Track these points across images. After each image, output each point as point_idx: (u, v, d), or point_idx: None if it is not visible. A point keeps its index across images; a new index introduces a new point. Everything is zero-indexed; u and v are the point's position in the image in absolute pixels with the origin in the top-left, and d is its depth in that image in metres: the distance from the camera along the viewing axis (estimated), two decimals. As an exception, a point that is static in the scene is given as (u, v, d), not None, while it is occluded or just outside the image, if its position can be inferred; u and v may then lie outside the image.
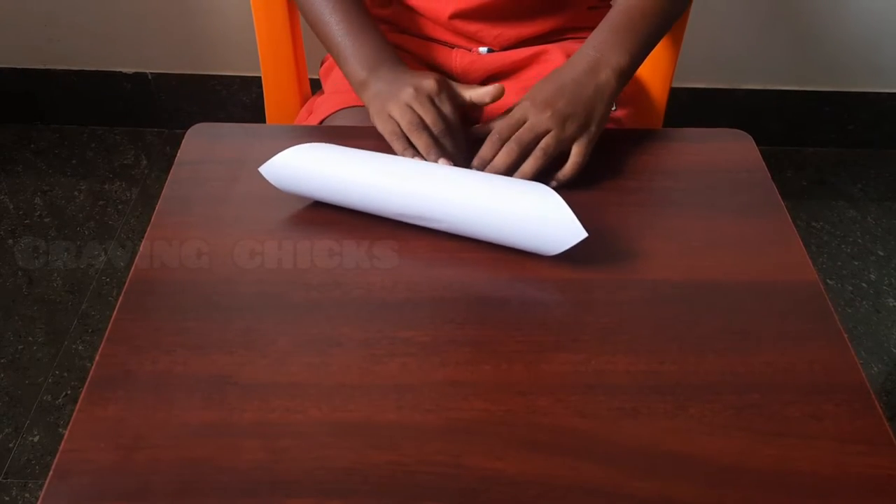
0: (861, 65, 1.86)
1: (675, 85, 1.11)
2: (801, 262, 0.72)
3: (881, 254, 1.72)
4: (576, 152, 0.79)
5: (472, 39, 1.01)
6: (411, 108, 0.79)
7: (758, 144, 0.84)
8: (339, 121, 0.95)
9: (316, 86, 1.11)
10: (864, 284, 1.65)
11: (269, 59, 1.10)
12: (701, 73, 1.85)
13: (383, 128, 0.80)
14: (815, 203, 1.84)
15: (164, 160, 1.87)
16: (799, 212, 1.81)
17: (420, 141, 0.78)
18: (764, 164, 0.82)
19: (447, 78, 0.84)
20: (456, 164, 0.77)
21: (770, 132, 1.93)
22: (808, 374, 0.63)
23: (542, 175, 0.77)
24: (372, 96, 0.84)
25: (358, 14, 0.90)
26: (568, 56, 0.97)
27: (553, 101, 0.79)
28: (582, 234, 0.68)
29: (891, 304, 1.61)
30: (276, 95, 1.12)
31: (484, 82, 1.03)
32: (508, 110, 0.81)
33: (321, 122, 0.97)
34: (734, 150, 0.85)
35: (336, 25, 0.89)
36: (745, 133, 0.86)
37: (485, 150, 0.78)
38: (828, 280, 1.64)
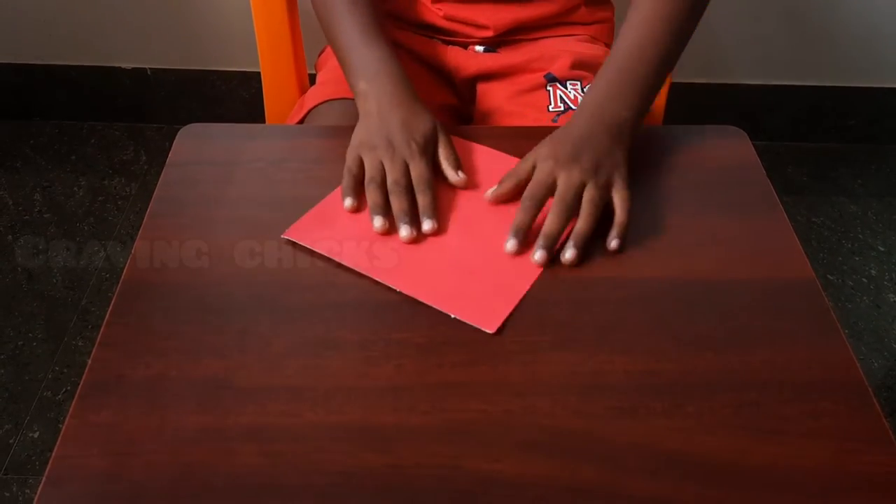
0: (862, 60, 1.86)
1: (675, 80, 1.11)
2: (798, 260, 0.72)
3: (881, 249, 1.72)
4: (619, 198, 0.75)
5: (466, 23, 1.01)
6: (381, 165, 0.77)
7: (758, 140, 0.84)
8: (326, 111, 0.95)
9: (315, 81, 1.11)
10: (864, 280, 1.64)
11: (267, 54, 1.10)
12: (701, 68, 1.84)
13: (347, 168, 0.78)
14: (815, 198, 1.84)
15: (164, 156, 1.84)
16: (799, 207, 1.81)
17: (371, 197, 0.75)
18: (759, 160, 0.82)
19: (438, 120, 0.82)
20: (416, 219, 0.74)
21: (770, 128, 1.93)
22: (806, 372, 0.62)
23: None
24: (364, 114, 0.82)
25: (369, 25, 0.88)
26: (561, 67, 0.97)
27: (577, 156, 0.76)
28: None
29: (891, 300, 1.61)
30: (276, 91, 1.12)
31: (474, 80, 1.03)
32: (522, 168, 0.77)
33: (308, 112, 0.97)
34: (729, 146, 0.84)
35: (346, 35, 0.88)
36: (740, 129, 0.85)
37: (522, 218, 0.73)
38: (828, 276, 1.64)
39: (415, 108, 0.81)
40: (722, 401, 0.60)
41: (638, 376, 0.62)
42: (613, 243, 0.72)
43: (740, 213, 0.76)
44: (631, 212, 0.74)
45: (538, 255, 0.71)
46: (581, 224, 0.72)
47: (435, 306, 0.67)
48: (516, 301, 0.67)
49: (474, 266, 0.71)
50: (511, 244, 0.71)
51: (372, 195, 0.74)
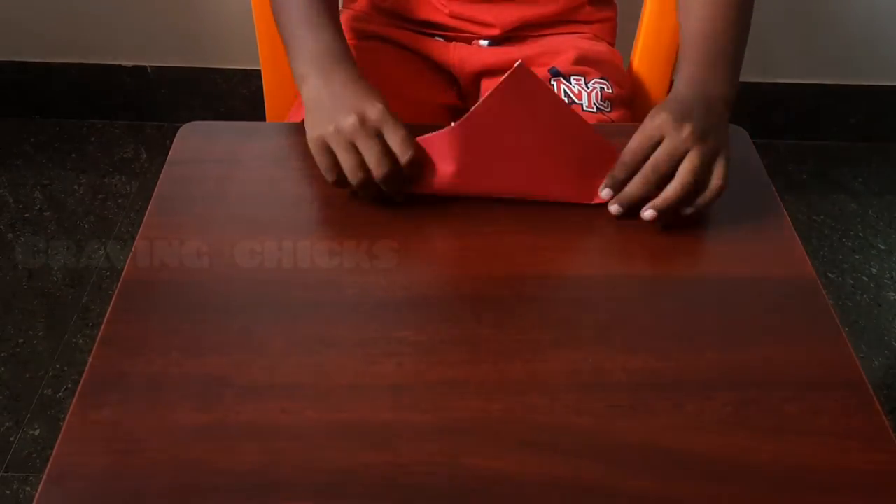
0: (863, 58, 1.85)
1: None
2: (798, 258, 0.72)
3: (882, 247, 1.72)
4: (717, 175, 0.72)
5: (472, 21, 1.00)
6: (354, 146, 0.71)
7: (759, 138, 0.84)
8: None
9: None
10: (864, 278, 1.64)
11: (268, 52, 1.09)
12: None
13: (319, 160, 0.72)
14: (816, 197, 1.84)
15: (164, 154, 1.83)
16: (800, 205, 1.80)
17: (365, 193, 0.73)
18: (759, 158, 0.82)
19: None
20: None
21: (771, 125, 1.93)
22: (806, 370, 0.62)
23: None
24: (312, 101, 0.76)
25: (321, 8, 0.82)
26: (565, 62, 0.97)
27: (689, 114, 0.73)
28: None
29: (891, 298, 1.61)
30: (276, 89, 1.12)
31: (478, 75, 1.03)
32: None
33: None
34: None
35: (295, 14, 0.82)
36: (740, 127, 0.85)
37: (618, 171, 0.72)
38: (829, 274, 1.64)
39: (363, 94, 0.74)
40: (722, 399, 0.60)
41: (638, 374, 0.62)
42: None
43: (741, 211, 0.76)
44: (724, 190, 0.72)
45: (613, 208, 0.73)
46: (671, 191, 0.71)
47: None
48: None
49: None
50: (614, 209, 0.73)
51: (365, 192, 0.73)
